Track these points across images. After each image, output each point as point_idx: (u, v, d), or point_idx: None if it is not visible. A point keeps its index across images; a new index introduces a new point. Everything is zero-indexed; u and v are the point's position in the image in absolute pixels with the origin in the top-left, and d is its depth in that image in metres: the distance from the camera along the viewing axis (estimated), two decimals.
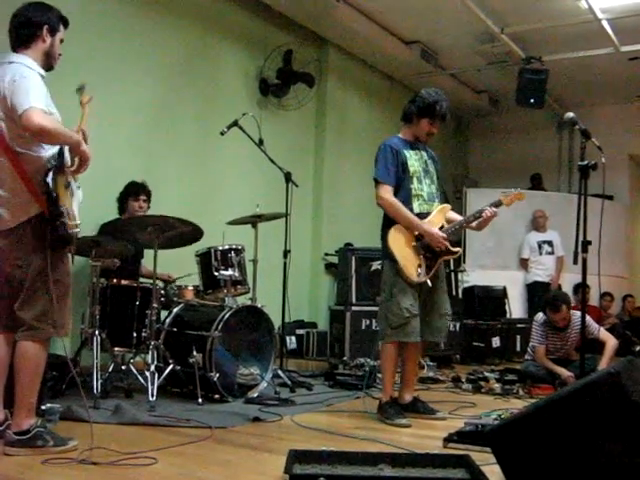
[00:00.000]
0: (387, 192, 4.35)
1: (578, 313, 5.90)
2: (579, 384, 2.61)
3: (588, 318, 5.64)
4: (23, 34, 3.25)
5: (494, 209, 4.42)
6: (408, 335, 4.29)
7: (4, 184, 3.16)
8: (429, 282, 4.34)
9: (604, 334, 5.82)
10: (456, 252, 4.48)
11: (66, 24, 3.40)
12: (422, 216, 4.37)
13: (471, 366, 7.37)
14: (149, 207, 5.66)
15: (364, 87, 9.56)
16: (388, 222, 4.40)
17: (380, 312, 4.45)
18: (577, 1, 7.55)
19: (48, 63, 3.31)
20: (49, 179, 3.11)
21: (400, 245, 4.32)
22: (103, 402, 4.33)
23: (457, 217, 4.56)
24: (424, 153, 4.55)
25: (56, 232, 3.15)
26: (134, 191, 5.61)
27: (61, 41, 3.38)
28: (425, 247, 4.35)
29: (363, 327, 7.07)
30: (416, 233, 4.34)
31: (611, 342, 5.74)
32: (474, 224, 4.50)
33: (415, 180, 4.42)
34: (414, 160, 4.45)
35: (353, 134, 9.21)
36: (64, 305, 3.26)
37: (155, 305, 4.81)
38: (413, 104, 4.49)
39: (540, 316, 6.00)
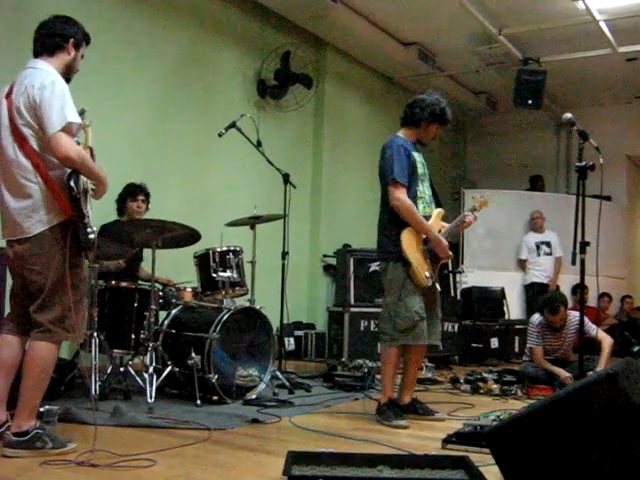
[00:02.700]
0: (403, 193, 4.31)
1: (574, 312, 5.99)
2: (577, 385, 2.62)
3: (585, 318, 5.68)
4: (50, 43, 3.30)
5: (474, 214, 4.53)
6: (417, 337, 4.28)
7: (30, 192, 3.16)
8: (438, 287, 4.35)
9: (601, 334, 5.83)
10: (450, 257, 4.51)
11: (88, 42, 3.49)
12: (425, 219, 4.39)
13: (469, 367, 7.38)
14: (148, 208, 5.66)
15: (362, 88, 9.56)
16: (394, 222, 4.36)
17: (385, 314, 4.41)
18: (574, 2, 7.57)
19: (67, 75, 3.35)
20: (72, 183, 3.14)
21: (413, 248, 4.30)
22: (101, 404, 4.32)
23: (445, 224, 4.59)
24: (422, 156, 4.57)
25: (78, 236, 3.16)
26: (132, 192, 5.61)
27: (81, 57, 3.45)
28: (430, 251, 4.36)
29: (362, 328, 7.07)
30: (423, 237, 4.34)
31: (607, 341, 5.75)
32: (455, 230, 4.58)
33: (419, 182, 4.43)
34: (419, 162, 4.47)
35: (351, 135, 9.22)
36: (78, 310, 3.27)
37: (153, 307, 4.81)
38: (422, 110, 4.44)
39: (535, 317, 6.01)
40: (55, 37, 3.31)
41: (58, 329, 3.20)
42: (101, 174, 3.29)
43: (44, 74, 3.20)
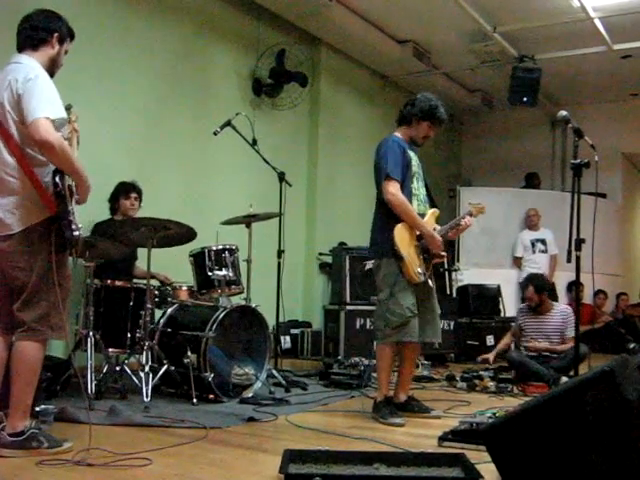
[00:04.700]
0: (397, 188, 4.33)
1: (562, 306, 6.34)
2: (573, 382, 2.62)
3: (572, 318, 5.91)
4: (33, 37, 3.27)
5: (471, 218, 4.54)
6: (409, 334, 4.29)
7: (13, 188, 3.14)
8: (430, 282, 4.35)
9: (569, 338, 6.01)
10: (444, 257, 4.52)
11: (73, 37, 3.44)
12: (419, 216, 4.39)
13: (465, 365, 7.39)
14: (140, 206, 5.66)
15: (357, 86, 9.56)
16: (388, 219, 4.37)
17: (378, 311, 4.43)
18: (569, 0, 7.57)
19: (51, 70, 3.31)
20: (57, 179, 3.12)
21: (406, 243, 4.30)
22: (97, 403, 4.33)
23: (436, 226, 4.59)
24: (417, 156, 4.58)
25: (62, 233, 3.14)
26: (125, 190, 5.61)
27: (65, 52, 3.41)
28: (423, 248, 4.36)
29: (357, 326, 7.08)
30: (417, 233, 4.34)
31: (569, 345, 5.93)
32: (451, 233, 4.57)
33: (414, 180, 4.45)
34: (414, 160, 4.48)
35: (346, 133, 9.21)
36: (63, 308, 3.25)
37: (149, 306, 4.80)
38: (413, 107, 4.48)
39: (520, 305, 6.39)
40: (39, 31, 3.27)
41: (42, 327, 3.18)
42: (82, 170, 3.23)
43: (28, 69, 3.16)
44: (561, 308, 6.21)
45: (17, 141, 3.14)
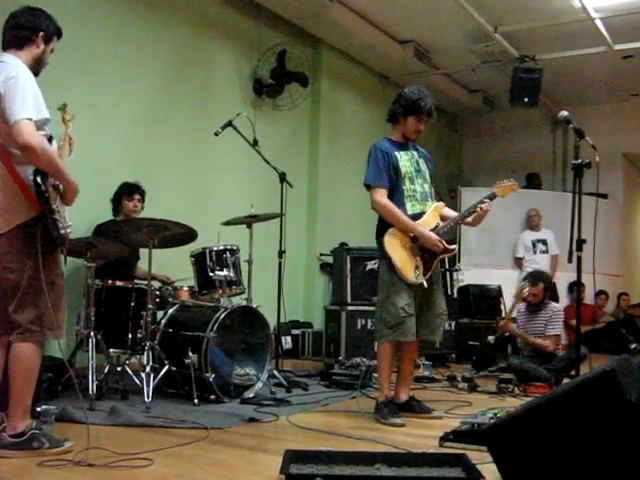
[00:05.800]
0: (381, 195, 4.35)
1: (556, 305, 6.35)
2: (575, 383, 2.62)
3: (560, 315, 6.11)
4: (18, 36, 3.23)
5: (489, 202, 4.43)
6: (404, 334, 4.30)
7: None
8: (425, 284, 4.34)
9: (550, 335, 6.08)
10: (452, 250, 4.48)
11: (60, 36, 3.40)
12: (416, 217, 4.38)
13: (467, 365, 7.38)
14: (143, 207, 5.65)
15: (358, 86, 9.56)
16: (384, 224, 4.40)
17: (376, 312, 4.47)
18: (570, 0, 7.57)
19: (36, 69, 3.27)
20: (39, 179, 3.08)
21: (397, 248, 4.33)
22: (99, 404, 4.32)
23: (452, 214, 4.57)
24: (414, 153, 4.56)
25: (49, 232, 3.12)
26: (128, 191, 5.59)
27: (51, 51, 3.37)
28: (421, 248, 4.36)
29: (358, 327, 7.07)
30: (411, 234, 4.34)
31: (544, 343, 6.03)
32: (469, 219, 4.51)
33: (407, 181, 4.42)
34: (405, 160, 4.45)
35: (347, 133, 9.22)
36: (58, 307, 3.25)
37: (150, 306, 4.80)
38: (397, 104, 4.49)
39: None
40: (24, 30, 3.22)
41: (38, 328, 3.17)
42: (66, 172, 3.19)
43: (11, 67, 3.12)
44: (551, 306, 6.22)
45: (0, 140, 3.10)
